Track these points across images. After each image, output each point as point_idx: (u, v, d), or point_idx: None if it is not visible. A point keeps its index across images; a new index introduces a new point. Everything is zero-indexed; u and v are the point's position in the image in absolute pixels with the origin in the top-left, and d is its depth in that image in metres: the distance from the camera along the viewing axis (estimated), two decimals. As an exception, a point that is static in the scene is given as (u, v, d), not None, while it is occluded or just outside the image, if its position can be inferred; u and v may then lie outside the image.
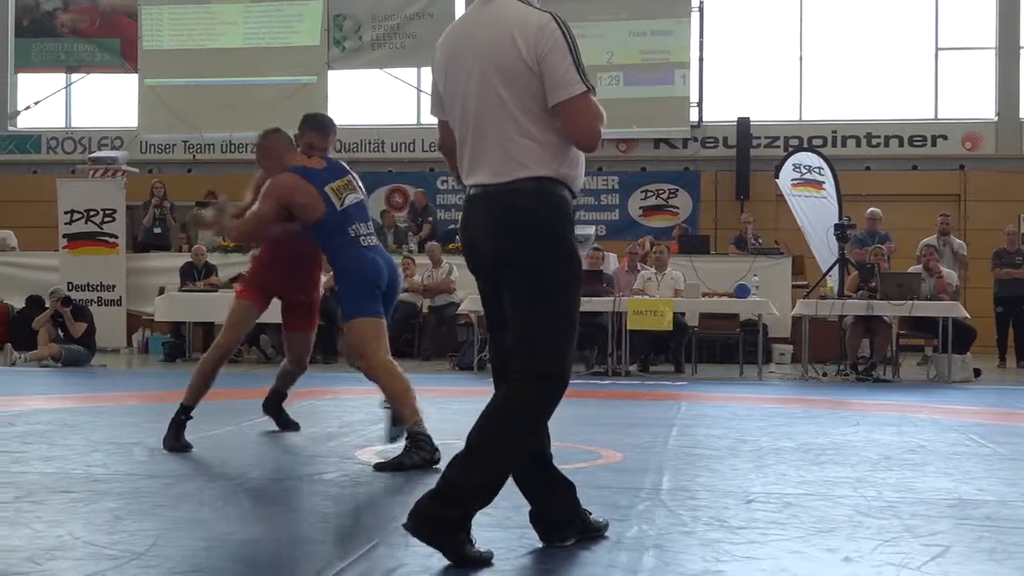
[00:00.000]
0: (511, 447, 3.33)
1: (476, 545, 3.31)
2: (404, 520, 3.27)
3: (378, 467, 5.18)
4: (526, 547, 3.54)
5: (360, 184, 5.83)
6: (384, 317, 5.56)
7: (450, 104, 3.46)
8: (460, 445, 3.34)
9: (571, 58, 3.26)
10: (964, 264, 13.89)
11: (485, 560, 3.32)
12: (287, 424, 6.53)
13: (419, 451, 5.18)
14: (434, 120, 3.62)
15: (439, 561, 3.28)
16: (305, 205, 5.55)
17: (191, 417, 5.90)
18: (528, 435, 3.37)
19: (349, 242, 5.56)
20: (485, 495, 3.30)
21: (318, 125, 5.87)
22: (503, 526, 3.75)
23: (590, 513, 3.69)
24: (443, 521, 3.24)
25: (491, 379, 3.57)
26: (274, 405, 6.56)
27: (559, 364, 3.34)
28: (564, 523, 3.58)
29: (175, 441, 5.79)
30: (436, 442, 5.20)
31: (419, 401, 5.38)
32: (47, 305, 12.85)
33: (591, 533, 3.67)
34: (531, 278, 3.31)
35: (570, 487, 3.60)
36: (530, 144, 3.31)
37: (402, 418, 5.36)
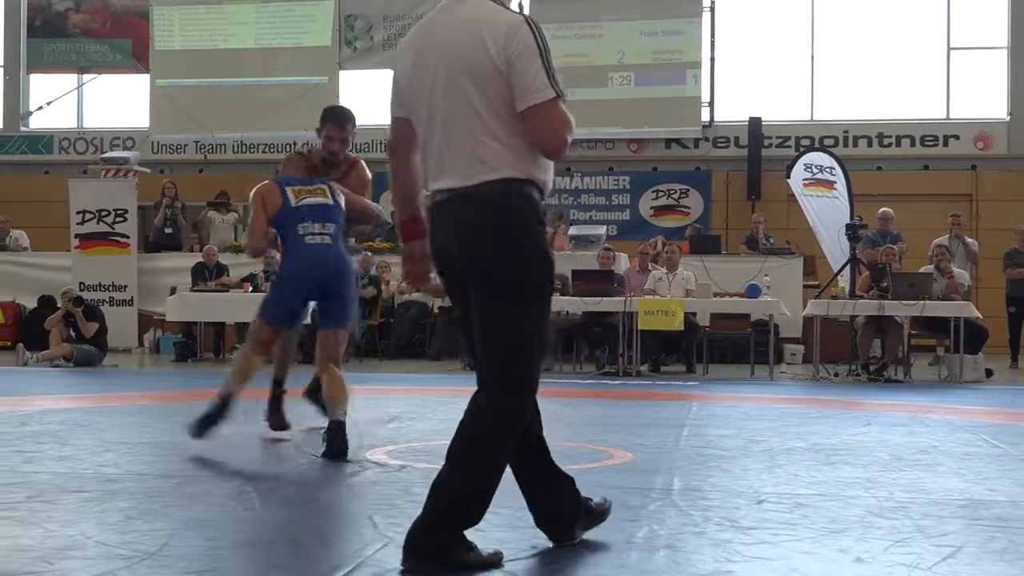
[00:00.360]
0: (493, 454, 3.26)
1: (479, 549, 3.27)
2: (401, 559, 3.23)
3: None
4: (536, 547, 3.54)
5: (337, 195, 6.08)
6: (281, 327, 5.98)
7: (415, 103, 3.34)
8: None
9: (541, 62, 3.14)
10: (975, 261, 13.86)
11: (495, 562, 3.30)
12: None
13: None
14: None
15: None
16: (272, 204, 5.96)
17: (285, 390, 6.39)
18: (507, 440, 3.28)
19: (295, 239, 5.90)
20: (473, 509, 3.24)
21: (335, 117, 6.25)
22: (512, 526, 3.75)
23: (591, 500, 3.66)
24: (438, 547, 3.19)
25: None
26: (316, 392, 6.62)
27: (531, 367, 3.27)
28: (570, 520, 3.56)
29: (275, 418, 6.34)
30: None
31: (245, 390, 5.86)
32: (59, 305, 12.87)
33: (597, 521, 3.66)
34: (502, 281, 3.23)
35: (569, 481, 3.56)
36: (498, 147, 3.20)
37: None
